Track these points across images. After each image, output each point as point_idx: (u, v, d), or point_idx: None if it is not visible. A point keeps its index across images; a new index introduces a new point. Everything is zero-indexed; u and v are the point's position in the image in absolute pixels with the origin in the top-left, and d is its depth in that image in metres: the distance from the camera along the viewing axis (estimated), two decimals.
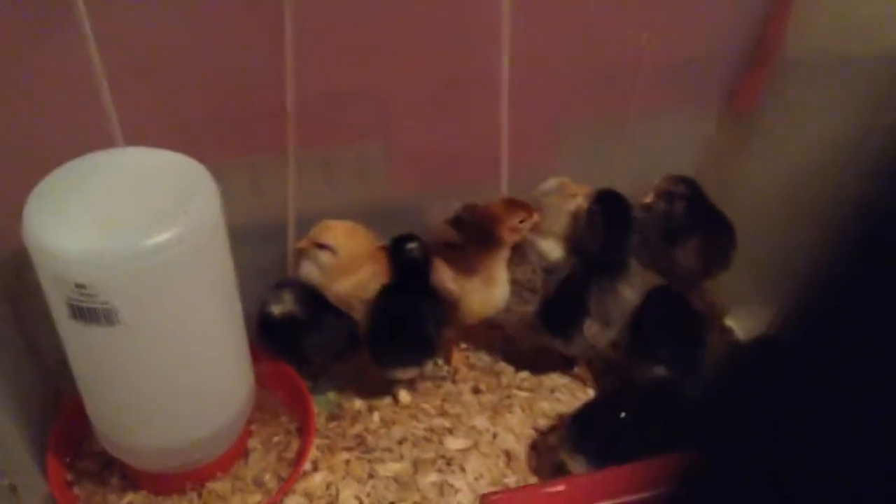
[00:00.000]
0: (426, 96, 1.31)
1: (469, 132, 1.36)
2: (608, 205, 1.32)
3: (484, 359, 1.43)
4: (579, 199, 1.38)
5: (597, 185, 1.46)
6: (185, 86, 1.17)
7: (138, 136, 1.12)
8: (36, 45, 1.06)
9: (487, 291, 1.33)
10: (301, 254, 1.31)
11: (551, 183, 1.41)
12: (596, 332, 1.31)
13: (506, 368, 1.41)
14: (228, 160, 1.25)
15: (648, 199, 1.40)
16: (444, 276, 1.31)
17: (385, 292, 1.29)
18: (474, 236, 1.33)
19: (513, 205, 1.33)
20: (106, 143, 1.12)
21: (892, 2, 1.19)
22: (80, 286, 0.92)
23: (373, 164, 1.37)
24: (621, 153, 1.48)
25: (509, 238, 1.32)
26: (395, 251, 1.29)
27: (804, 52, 1.35)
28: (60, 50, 1.06)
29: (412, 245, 1.28)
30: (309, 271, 1.30)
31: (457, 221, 1.34)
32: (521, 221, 1.32)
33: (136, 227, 0.93)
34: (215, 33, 1.14)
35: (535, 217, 1.34)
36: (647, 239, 1.39)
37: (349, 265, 1.29)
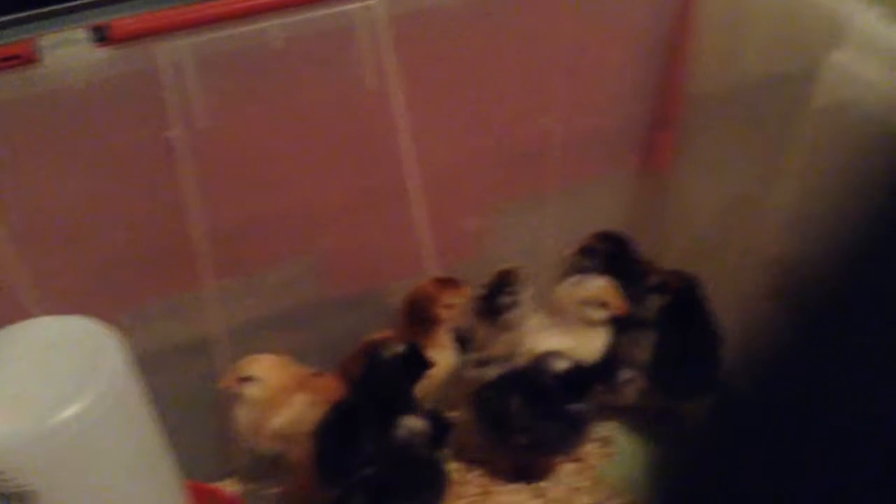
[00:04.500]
0: (340, 209, 1.30)
1: (390, 234, 1.35)
2: None
3: None
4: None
5: (529, 259, 1.46)
6: (87, 240, 1.17)
7: (48, 301, 1.11)
8: None
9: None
10: (230, 394, 1.28)
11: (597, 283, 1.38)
12: None
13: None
14: (147, 302, 1.24)
15: (568, 252, 1.43)
16: None
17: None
18: (415, 320, 1.33)
19: (444, 283, 1.35)
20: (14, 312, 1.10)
21: (767, 46, 1.20)
22: None
23: (300, 278, 1.36)
24: (550, 225, 1.48)
25: (445, 315, 1.33)
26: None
27: (705, 107, 1.37)
28: None
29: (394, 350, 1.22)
30: (240, 414, 1.27)
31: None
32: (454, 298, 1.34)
33: (41, 404, 0.91)
34: (111, 190, 1.14)
35: (467, 291, 1.35)
36: None
37: (279, 396, 1.26)
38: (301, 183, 1.24)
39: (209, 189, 1.16)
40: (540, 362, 1.32)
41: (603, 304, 1.35)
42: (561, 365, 1.30)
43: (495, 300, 1.38)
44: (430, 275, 1.40)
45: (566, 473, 1.41)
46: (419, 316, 1.34)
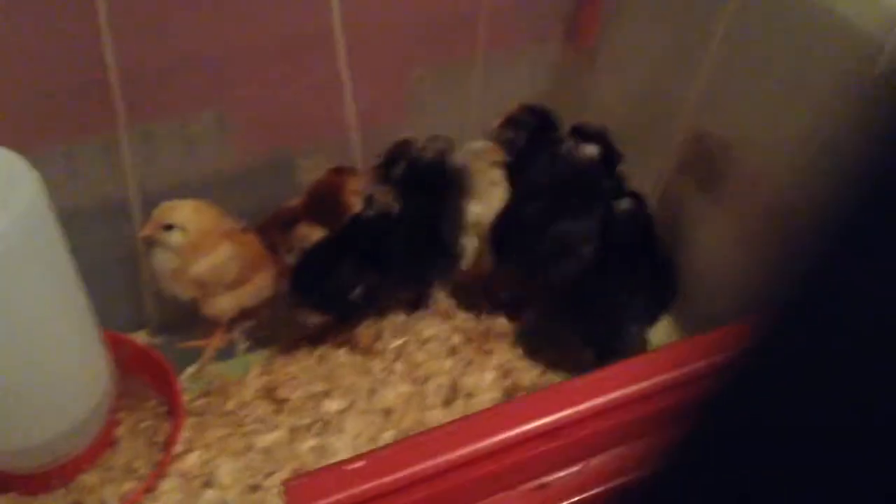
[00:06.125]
0: (261, 59, 1.26)
1: (311, 91, 1.33)
2: None
3: None
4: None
5: (453, 129, 1.46)
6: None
7: None
8: None
9: None
10: (149, 243, 1.24)
11: (478, 146, 1.38)
12: None
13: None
14: (55, 146, 1.20)
15: (497, 124, 1.42)
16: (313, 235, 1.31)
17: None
18: (326, 211, 1.32)
19: (345, 172, 1.34)
20: None
21: None
22: None
23: (215, 132, 1.32)
24: (474, 95, 1.47)
25: (354, 202, 1.33)
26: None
27: None
28: None
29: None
30: (161, 259, 1.24)
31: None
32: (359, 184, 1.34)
33: None
34: (20, 16, 1.08)
35: (363, 178, 1.35)
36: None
37: (203, 242, 1.24)
38: (219, 25, 1.20)
39: (122, 27, 1.11)
40: None
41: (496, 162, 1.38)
42: None
43: (392, 170, 1.36)
44: (351, 138, 1.39)
45: None
46: (330, 207, 1.32)
